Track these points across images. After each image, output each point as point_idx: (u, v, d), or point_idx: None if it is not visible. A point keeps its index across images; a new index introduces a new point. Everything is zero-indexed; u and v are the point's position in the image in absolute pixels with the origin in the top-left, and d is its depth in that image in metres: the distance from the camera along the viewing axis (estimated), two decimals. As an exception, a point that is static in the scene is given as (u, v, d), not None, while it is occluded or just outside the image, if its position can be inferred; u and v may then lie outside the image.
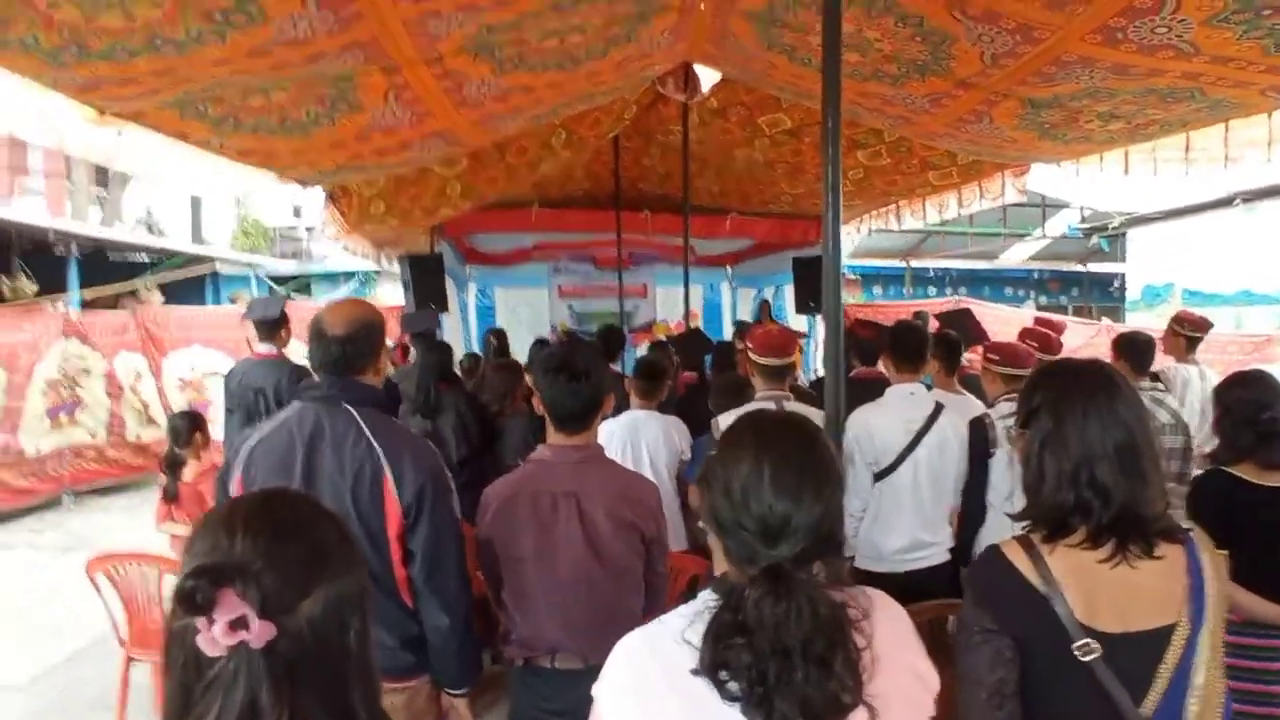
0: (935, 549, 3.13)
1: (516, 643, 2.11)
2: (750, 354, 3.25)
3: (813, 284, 6.58)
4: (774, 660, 1.04)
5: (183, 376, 9.72)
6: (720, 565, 1.19)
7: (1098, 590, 1.35)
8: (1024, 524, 1.47)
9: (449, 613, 2.05)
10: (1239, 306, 11.54)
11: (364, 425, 2.02)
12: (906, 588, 2.69)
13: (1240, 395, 2.54)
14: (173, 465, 4.20)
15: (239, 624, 0.81)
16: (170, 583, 3.46)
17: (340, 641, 0.91)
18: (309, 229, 20.47)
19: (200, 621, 0.81)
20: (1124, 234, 14.22)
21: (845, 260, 13.88)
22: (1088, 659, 1.31)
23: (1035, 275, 16.84)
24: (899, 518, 3.09)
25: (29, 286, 9.79)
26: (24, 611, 5.56)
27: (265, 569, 0.86)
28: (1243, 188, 10.58)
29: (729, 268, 10.29)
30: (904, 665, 1.17)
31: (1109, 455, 1.38)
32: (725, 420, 2.97)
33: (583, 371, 2.09)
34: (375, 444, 2.00)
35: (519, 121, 4.57)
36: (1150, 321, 5.07)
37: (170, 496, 4.12)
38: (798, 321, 8.69)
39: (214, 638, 0.80)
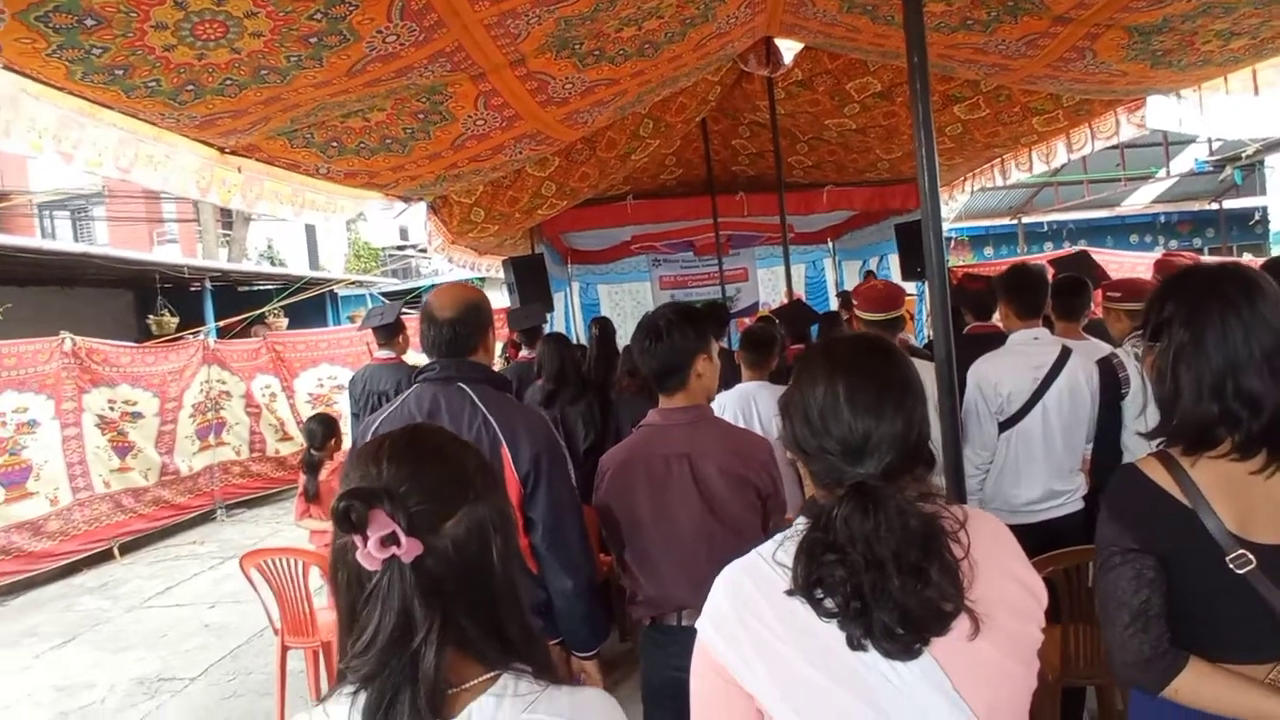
0: (1069, 497, 3.02)
1: (644, 603, 2.17)
2: (856, 311, 3.19)
3: (917, 248, 6.38)
4: (868, 573, 1.02)
5: (311, 392, 10.33)
6: (810, 490, 1.19)
7: (1249, 501, 1.27)
8: (1158, 441, 1.39)
9: (572, 575, 2.13)
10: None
11: (478, 401, 2.13)
12: (1041, 539, 2.61)
13: None
14: (310, 466, 4.48)
15: (390, 540, 0.91)
16: (314, 574, 3.72)
17: (483, 560, 0.99)
18: (417, 248, 21.39)
19: (357, 539, 0.91)
20: (1260, 163, 13.09)
21: (951, 224, 13.40)
22: (1243, 571, 1.24)
23: (1162, 219, 15.73)
24: (1030, 468, 2.98)
25: (171, 321, 10.61)
26: (193, 613, 6.08)
27: (410, 491, 0.95)
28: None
29: (830, 242, 10.09)
30: (1006, 572, 1.12)
31: (1255, 361, 1.28)
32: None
33: (661, 330, 2.15)
34: (490, 418, 2.11)
35: (605, 113, 4.62)
36: (1298, 254, 4.71)
37: (310, 495, 4.40)
38: (905, 288, 8.45)
39: (369, 553, 0.90)
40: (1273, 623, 1.24)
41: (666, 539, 2.11)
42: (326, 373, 10.51)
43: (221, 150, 3.33)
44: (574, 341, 6.70)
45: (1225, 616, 1.29)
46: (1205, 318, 1.33)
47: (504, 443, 2.08)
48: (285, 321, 12.33)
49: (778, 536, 1.16)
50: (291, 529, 7.43)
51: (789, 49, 5.16)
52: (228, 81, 2.57)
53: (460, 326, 2.19)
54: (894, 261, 8.14)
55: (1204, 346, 1.32)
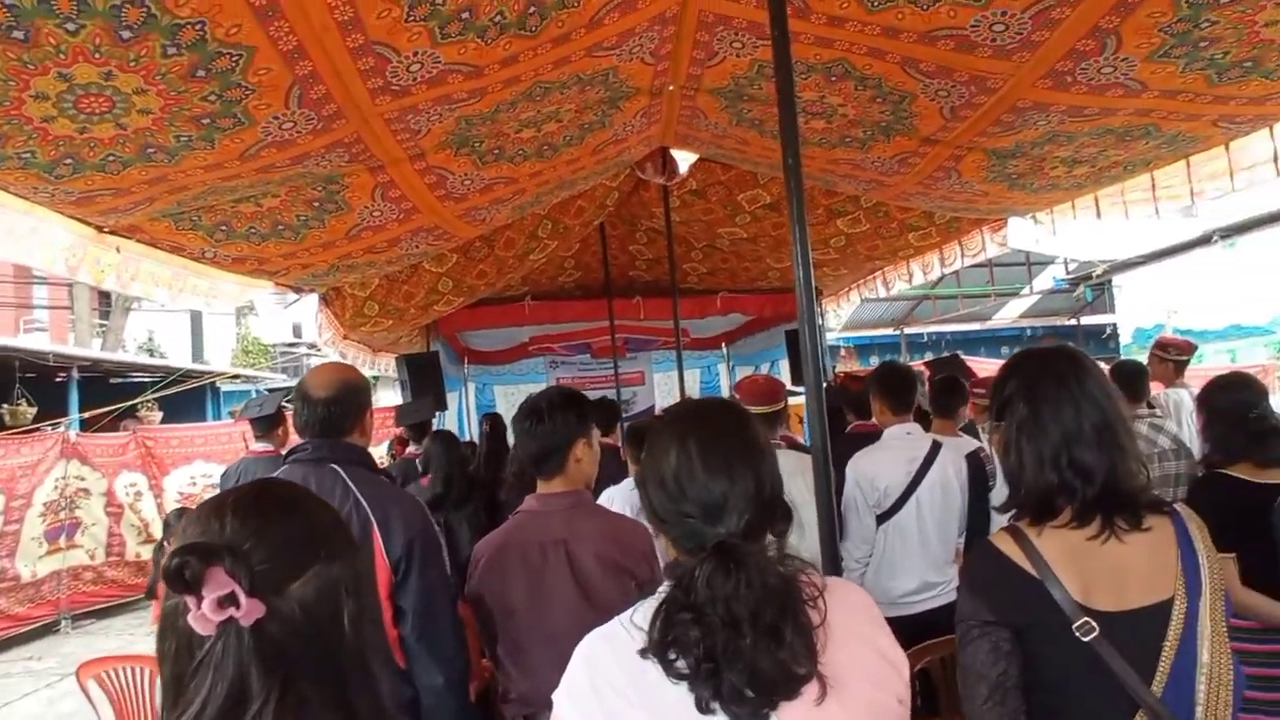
0: (943, 588, 3.11)
1: (516, 701, 2.07)
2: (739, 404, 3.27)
3: (805, 353, 6.63)
4: (722, 632, 1.02)
5: (183, 490, 9.69)
6: (672, 555, 1.19)
7: (1091, 570, 1.34)
8: (1009, 514, 1.47)
9: (443, 669, 2.01)
10: (1231, 340, 11.69)
11: (350, 483, 2.05)
12: (918, 630, 2.65)
13: (1225, 398, 2.55)
14: (160, 562, 4.13)
15: (228, 600, 0.81)
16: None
17: (332, 626, 0.90)
18: (309, 346, 20.80)
19: (190, 600, 0.81)
20: (1109, 282, 14.45)
21: (839, 333, 14.03)
22: (1088, 639, 1.30)
23: (1028, 333, 17.02)
24: (906, 559, 3.07)
25: (28, 411, 9.85)
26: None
27: (254, 548, 0.86)
28: (1219, 224, 10.84)
29: (725, 347, 10.35)
30: (863, 639, 1.13)
31: (1085, 434, 1.39)
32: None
33: (543, 412, 2.16)
34: (363, 500, 2.02)
35: (504, 212, 4.70)
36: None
37: (153, 593, 4.04)
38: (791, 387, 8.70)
39: (203, 614, 0.80)
40: (1117, 690, 1.29)
41: (540, 629, 2.04)
42: (201, 470, 9.90)
43: (99, 229, 3.20)
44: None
45: (1075, 686, 1.33)
46: (1042, 394, 1.44)
47: (376, 528, 1.99)
48: (159, 415, 11.64)
49: (639, 603, 1.15)
50: (146, 640, 6.82)
51: (684, 159, 5.39)
52: (110, 158, 2.49)
53: (335, 406, 2.13)
54: (784, 367, 8.41)
55: (1042, 420, 1.43)
